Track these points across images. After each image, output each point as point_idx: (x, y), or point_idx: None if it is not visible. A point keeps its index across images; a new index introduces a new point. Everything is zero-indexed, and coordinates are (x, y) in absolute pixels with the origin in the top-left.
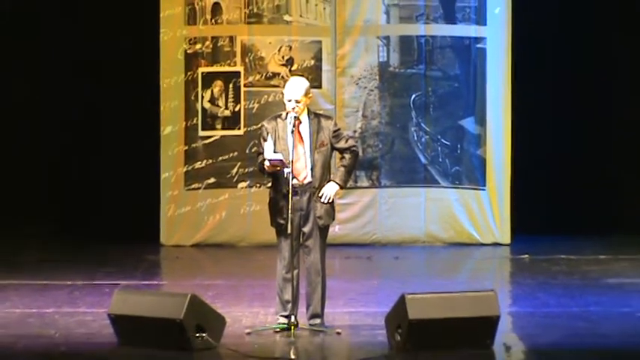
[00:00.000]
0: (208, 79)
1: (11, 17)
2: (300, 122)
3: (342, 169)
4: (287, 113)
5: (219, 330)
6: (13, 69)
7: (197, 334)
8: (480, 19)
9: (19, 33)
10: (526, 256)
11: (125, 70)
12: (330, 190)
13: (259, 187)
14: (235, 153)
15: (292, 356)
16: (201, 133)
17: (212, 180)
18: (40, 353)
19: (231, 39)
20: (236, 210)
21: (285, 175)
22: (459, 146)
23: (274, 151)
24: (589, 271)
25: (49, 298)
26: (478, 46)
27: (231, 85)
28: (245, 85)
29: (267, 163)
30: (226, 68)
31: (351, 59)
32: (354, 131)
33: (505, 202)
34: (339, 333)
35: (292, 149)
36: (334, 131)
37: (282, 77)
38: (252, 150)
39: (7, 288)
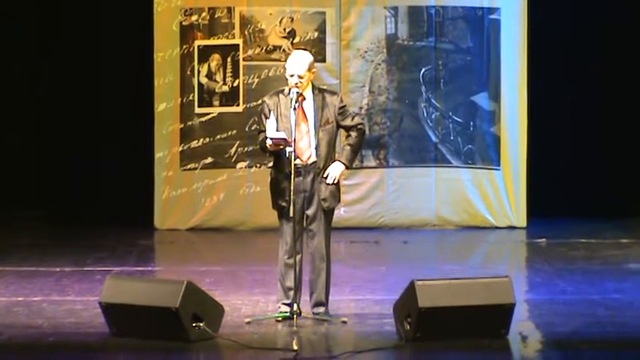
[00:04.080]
0: (205, 53)
1: None
2: (304, 98)
3: (348, 148)
4: (289, 89)
5: (217, 319)
6: (7, 49)
7: (194, 324)
8: None
9: (13, 10)
10: (543, 240)
11: (117, 43)
12: (335, 170)
13: (260, 167)
14: (234, 131)
15: (295, 347)
16: (198, 110)
17: (209, 160)
18: (28, 344)
19: (230, 10)
20: (235, 191)
21: (287, 155)
22: (471, 123)
23: (277, 129)
24: (610, 256)
25: (37, 285)
26: (491, 17)
27: (229, 59)
28: (244, 59)
29: (269, 142)
30: (224, 41)
31: (356, 31)
32: (360, 108)
33: (521, 183)
34: (344, 322)
35: (295, 127)
36: (340, 108)
37: (284, 50)
38: (252, 128)
39: None
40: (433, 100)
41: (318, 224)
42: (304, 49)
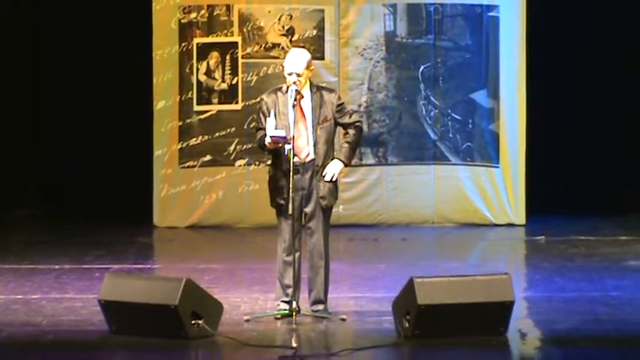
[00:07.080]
0: (204, 51)
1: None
2: (302, 96)
3: (346, 145)
4: (288, 87)
5: (216, 317)
6: (5, 47)
7: (193, 321)
8: None
9: (11, 9)
10: (542, 237)
11: (115, 41)
12: (334, 168)
13: (258, 164)
14: (233, 129)
15: (294, 344)
16: (197, 108)
17: (208, 157)
18: (27, 342)
19: (228, 7)
20: (234, 189)
21: (286, 153)
22: (470, 121)
23: (275, 127)
24: (609, 253)
25: (36, 283)
26: (490, 14)
27: (228, 57)
28: (243, 57)
29: (268, 140)
30: (223, 39)
31: (355, 29)
32: (359, 105)
33: (520, 180)
34: (343, 319)
35: (293, 125)
36: (338, 105)
37: (283, 48)
38: (251, 125)
39: None
40: (432, 98)
41: (317, 222)
42: (303, 47)
